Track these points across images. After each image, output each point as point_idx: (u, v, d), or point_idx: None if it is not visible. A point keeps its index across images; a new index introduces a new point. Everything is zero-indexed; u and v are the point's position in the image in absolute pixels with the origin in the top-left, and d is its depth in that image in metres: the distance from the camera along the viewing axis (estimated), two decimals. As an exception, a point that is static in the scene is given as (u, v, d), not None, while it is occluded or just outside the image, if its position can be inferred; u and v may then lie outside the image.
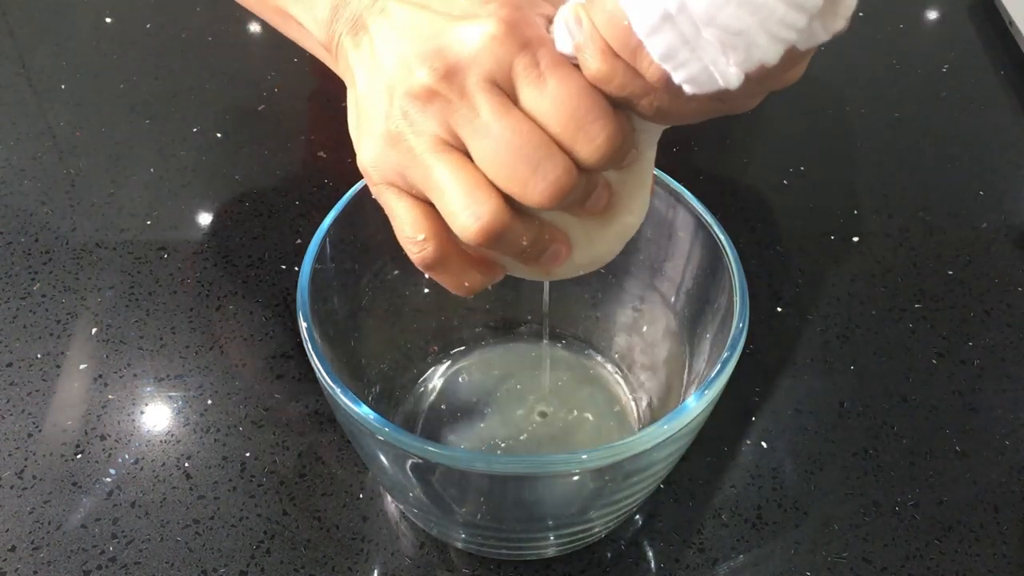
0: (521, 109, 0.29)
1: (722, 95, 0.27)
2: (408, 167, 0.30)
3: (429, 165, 0.30)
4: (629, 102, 0.28)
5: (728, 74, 0.25)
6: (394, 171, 0.31)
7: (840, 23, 0.25)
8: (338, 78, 0.36)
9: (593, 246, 0.34)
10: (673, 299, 0.44)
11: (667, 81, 0.26)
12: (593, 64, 0.28)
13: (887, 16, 0.79)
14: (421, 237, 0.31)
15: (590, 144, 0.29)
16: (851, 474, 0.46)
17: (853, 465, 0.47)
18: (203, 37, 0.76)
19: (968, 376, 0.51)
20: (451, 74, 0.29)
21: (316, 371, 0.35)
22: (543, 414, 0.47)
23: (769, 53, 0.25)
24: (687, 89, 0.26)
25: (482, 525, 0.39)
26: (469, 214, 0.29)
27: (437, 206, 0.31)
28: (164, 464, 0.46)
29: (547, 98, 0.29)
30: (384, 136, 0.31)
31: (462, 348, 0.50)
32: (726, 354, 0.35)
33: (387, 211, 0.33)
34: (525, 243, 0.31)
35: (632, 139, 0.31)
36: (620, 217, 0.34)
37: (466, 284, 0.33)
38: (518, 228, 0.31)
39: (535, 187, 0.29)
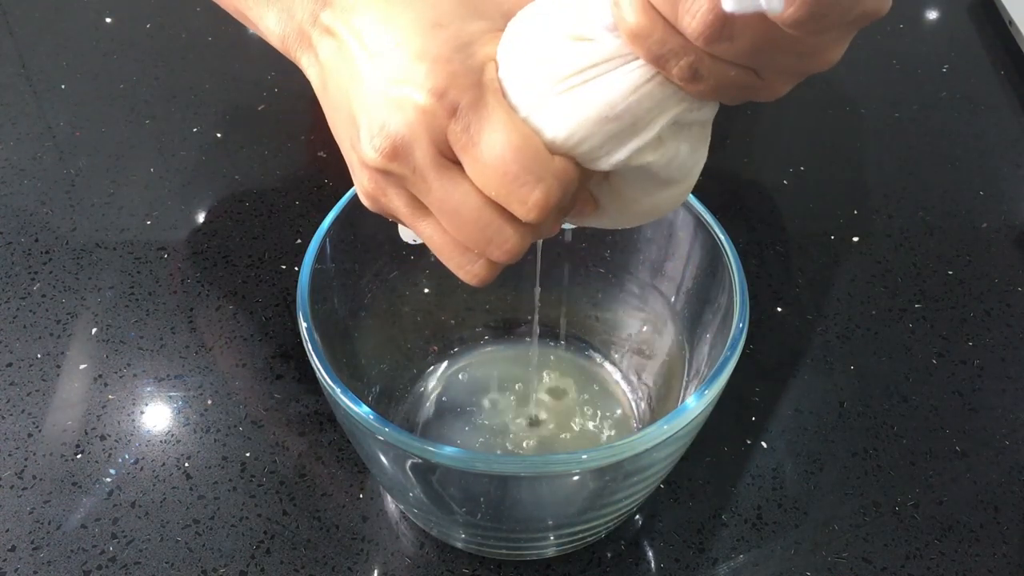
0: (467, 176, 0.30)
1: (761, 49, 0.26)
2: (399, 216, 0.32)
3: (415, 225, 0.32)
4: (665, 64, 0.27)
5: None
6: (377, 205, 0.33)
7: None
8: None
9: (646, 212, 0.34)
10: (673, 299, 0.44)
11: (706, 34, 0.25)
12: (631, 18, 0.27)
13: (887, 16, 0.79)
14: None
15: (523, 207, 0.29)
16: (851, 474, 0.46)
17: (853, 465, 0.47)
18: (203, 37, 0.76)
19: (968, 376, 0.51)
20: (396, 154, 0.29)
21: (316, 371, 0.35)
22: (543, 414, 0.47)
23: None
24: (729, 7, 0.24)
25: (482, 525, 0.39)
26: (465, 272, 0.32)
27: (433, 247, 0.32)
28: (164, 464, 0.46)
29: (479, 164, 0.29)
30: (361, 182, 0.32)
31: (462, 348, 0.50)
32: (726, 354, 0.35)
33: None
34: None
35: (577, 187, 0.30)
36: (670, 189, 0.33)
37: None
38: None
39: (496, 252, 0.30)
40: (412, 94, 0.29)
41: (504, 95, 0.29)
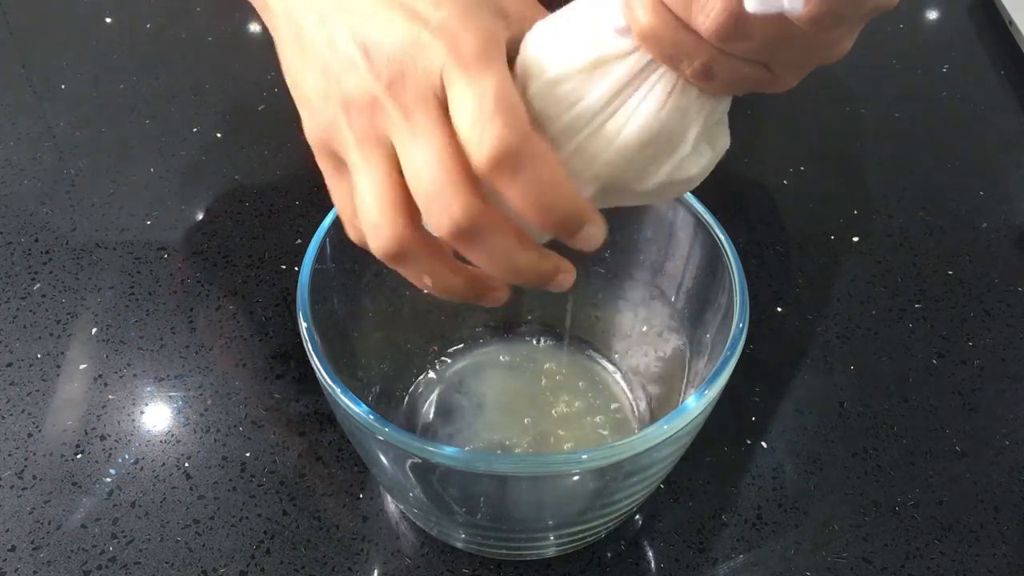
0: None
1: (775, 41, 0.26)
2: (341, 152, 0.31)
3: (354, 163, 0.30)
4: (679, 64, 0.27)
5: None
6: (328, 149, 0.31)
7: None
8: None
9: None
10: (673, 299, 0.44)
11: (721, 33, 0.25)
12: (644, 19, 0.27)
13: (887, 16, 0.79)
14: (349, 215, 0.32)
15: (479, 155, 0.28)
16: (851, 474, 0.46)
17: (853, 465, 0.47)
18: (203, 37, 0.76)
19: (968, 376, 0.51)
20: (393, 84, 0.29)
21: (316, 371, 0.35)
22: (543, 414, 0.47)
23: None
24: (751, 7, 0.24)
25: (482, 525, 0.39)
26: (374, 232, 0.30)
27: (355, 203, 0.31)
28: (164, 464, 0.46)
29: (465, 99, 0.28)
30: (325, 120, 0.31)
31: (462, 348, 0.50)
32: (726, 354, 0.35)
33: (326, 178, 0.33)
34: (429, 281, 0.31)
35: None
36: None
37: (426, 281, 0.32)
38: (425, 258, 0.30)
39: (433, 215, 0.29)
40: (425, 35, 0.28)
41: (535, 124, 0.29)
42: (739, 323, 0.36)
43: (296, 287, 0.37)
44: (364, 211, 0.30)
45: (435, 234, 0.30)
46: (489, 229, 0.29)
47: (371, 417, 0.33)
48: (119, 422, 0.48)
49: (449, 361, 0.49)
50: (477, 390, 0.48)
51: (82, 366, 0.51)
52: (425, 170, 0.28)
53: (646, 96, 0.28)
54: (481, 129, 0.27)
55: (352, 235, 0.33)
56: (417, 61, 0.28)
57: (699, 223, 0.40)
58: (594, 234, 0.30)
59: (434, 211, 0.28)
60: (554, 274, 0.31)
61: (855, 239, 0.59)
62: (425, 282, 0.31)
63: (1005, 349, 0.52)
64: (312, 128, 0.32)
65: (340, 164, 0.32)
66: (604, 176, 0.29)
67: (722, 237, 0.39)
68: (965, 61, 0.74)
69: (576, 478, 0.35)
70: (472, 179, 0.28)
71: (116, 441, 0.47)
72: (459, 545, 0.42)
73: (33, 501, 0.45)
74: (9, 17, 0.78)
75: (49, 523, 0.44)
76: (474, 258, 0.30)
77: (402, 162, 0.29)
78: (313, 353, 0.35)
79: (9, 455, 0.47)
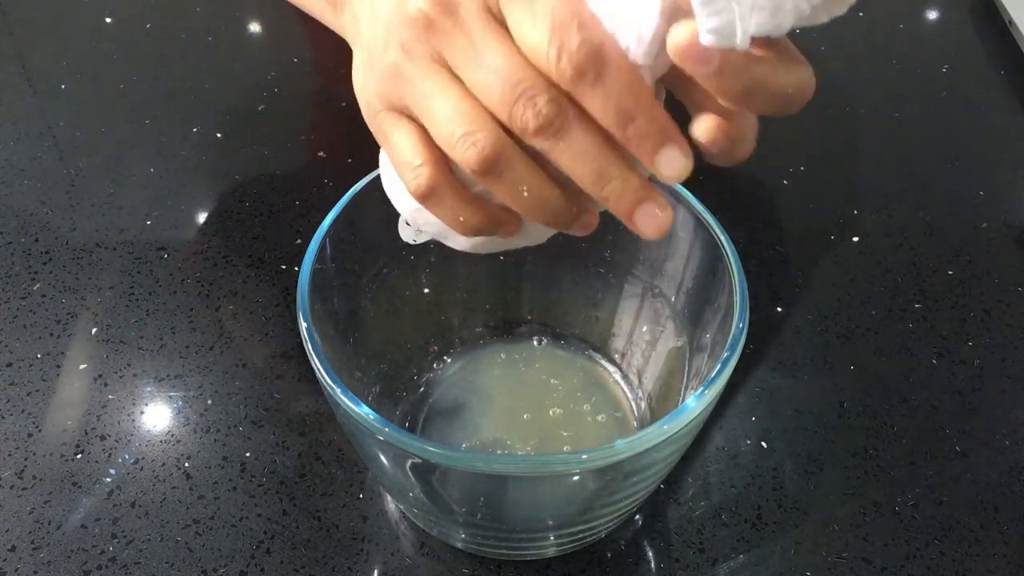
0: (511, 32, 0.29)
1: (708, 63, 0.26)
2: (406, 93, 0.31)
3: (425, 91, 0.30)
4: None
5: (746, 33, 0.25)
6: (392, 98, 0.31)
7: (842, 8, 0.25)
8: (338, 77, 0.36)
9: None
10: (673, 299, 0.44)
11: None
12: None
13: (887, 16, 0.79)
14: (418, 162, 0.31)
15: (568, 59, 0.28)
16: (851, 474, 0.46)
17: (853, 465, 0.47)
18: (203, 37, 0.76)
19: (968, 376, 0.51)
20: (446, 2, 0.29)
21: (316, 371, 0.35)
22: (543, 414, 0.47)
23: (785, 22, 0.24)
24: (707, 39, 0.25)
25: (482, 525, 0.39)
26: (470, 144, 0.29)
27: (433, 133, 0.30)
28: (164, 464, 0.46)
29: (531, 15, 0.28)
30: (384, 68, 0.31)
31: (462, 348, 0.50)
32: (726, 354, 0.35)
33: (385, 141, 0.33)
34: (526, 191, 0.31)
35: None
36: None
37: (461, 218, 0.32)
38: (520, 166, 0.30)
39: (526, 115, 0.28)
40: None
41: None
42: (739, 323, 0.36)
43: (296, 287, 0.37)
44: (451, 128, 0.29)
45: (520, 137, 0.29)
46: (573, 125, 0.29)
47: (371, 417, 0.33)
48: (119, 422, 0.48)
49: (449, 361, 0.49)
50: (477, 390, 0.48)
51: (82, 366, 0.51)
52: (501, 75, 0.28)
53: None
54: (560, 41, 0.27)
55: (413, 183, 0.32)
56: None
57: (699, 223, 0.40)
58: (677, 157, 0.29)
59: (518, 113, 0.28)
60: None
61: (855, 239, 0.59)
62: (524, 194, 0.31)
63: (1005, 349, 0.52)
64: (374, 82, 0.32)
65: (400, 114, 0.32)
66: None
67: (722, 237, 0.39)
68: (965, 61, 0.74)
69: (576, 478, 0.35)
70: (548, 79, 0.28)
71: (116, 441, 0.47)
72: (459, 545, 0.42)
73: (33, 501, 0.45)
74: (9, 17, 0.78)
75: (49, 523, 0.44)
76: (559, 152, 0.29)
77: (470, 78, 0.29)
78: (313, 353, 0.35)
79: (9, 455, 0.47)
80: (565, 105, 0.28)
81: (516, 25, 0.29)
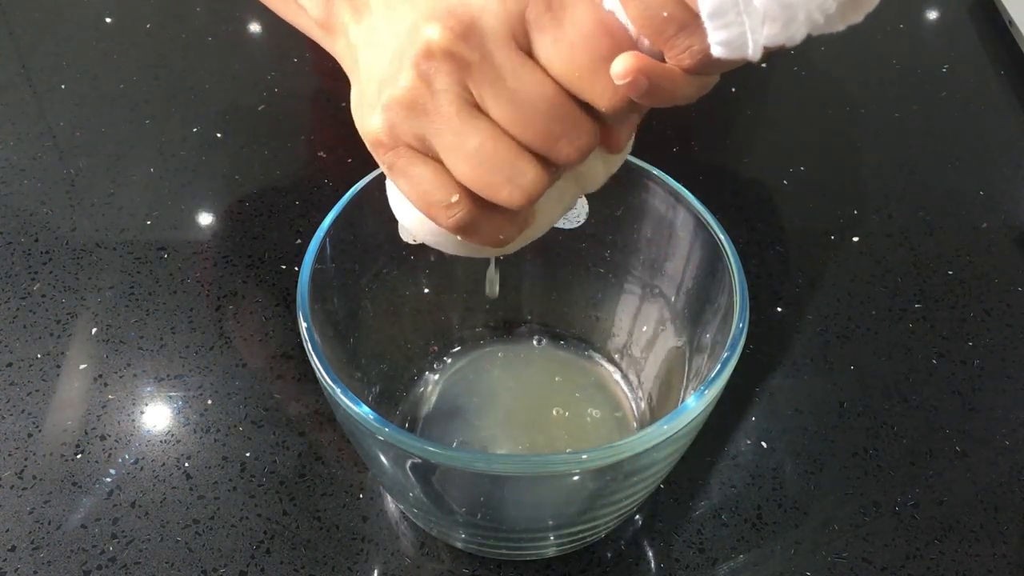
0: (537, 60, 0.28)
1: (714, 70, 0.26)
2: (432, 132, 0.29)
3: (459, 131, 0.29)
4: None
5: (757, 44, 0.25)
6: (412, 135, 0.30)
7: (859, 16, 0.25)
8: (338, 77, 0.36)
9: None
10: (673, 299, 0.44)
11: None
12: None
13: (887, 16, 0.79)
14: (455, 199, 0.30)
15: (606, 89, 0.28)
16: (851, 474, 0.46)
17: (853, 465, 0.47)
18: (203, 37, 0.76)
19: (968, 376, 0.51)
20: (468, 34, 0.28)
21: (316, 371, 0.35)
22: (543, 414, 0.47)
23: (798, 33, 0.24)
24: (717, 52, 0.25)
25: (482, 525, 0.39)
26: (513, 187, 0.29)
27: (459, 172, 0.30)
28: (164, 464, 0.46)
29: (561, 45, 0.28)
30: (398, 101, 0.29)
31: (462, 348, 0.50)
32: (726, 354, 0.35)
33: (404, 179, 0.31)
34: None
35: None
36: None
37: (501, 237, 0.32)
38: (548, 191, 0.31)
39: (566, 148, 0.29)
40: None
41: None
42: (739, 323, 0.36)
43: (296, 287, 0.37)
44: (491, 167, 0.29)
45: (556, 163, 0.30)
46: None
47: (371, 417, 0.33)
48: (119, 422, 0.48)
49: (449, 361, 0.49)
50: (477, 390, 0.48)
51: (82, 366, 0.51)
52: (539, 107, 0.28)
53: None
54: (595, 64, 0.27)
55: (452, 221, 0.31)
56: (484, 10, 0.28)
57: (699, 223, 0.40)
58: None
59: (563, 146, 0.29)
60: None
61: (855, 239, 0.59)
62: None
63: (1005, 349, 0.52)
64: (381, 115, 0.30)
65: (415, 150, 0.31)
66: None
67: (722, 237, 0.39)
68: (965, 61, 0.74)
69: (576, 478, 0.35)
70: (583, 108, 0.29)
71: (116, 441, 0.47)
72: (459, 545, 0.42)
73: (33, 501, 0.45)
74: (9, 17, 0.78)
75: (49, 523, 0.44)
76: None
77: (503, 114, 0.29)
78: (313, 353, 0.35)
79: (9, 455, 0.47)
80: (597, 133, 0.30)
81: (544, 48, 0.28)
